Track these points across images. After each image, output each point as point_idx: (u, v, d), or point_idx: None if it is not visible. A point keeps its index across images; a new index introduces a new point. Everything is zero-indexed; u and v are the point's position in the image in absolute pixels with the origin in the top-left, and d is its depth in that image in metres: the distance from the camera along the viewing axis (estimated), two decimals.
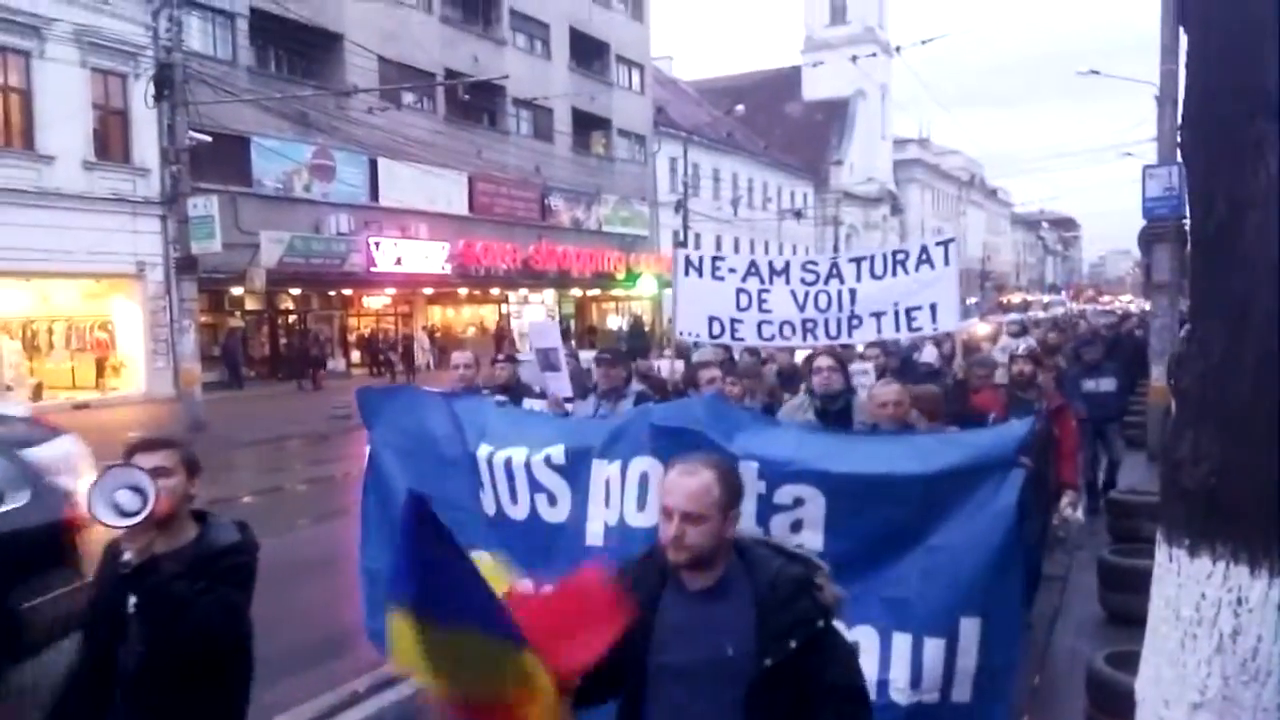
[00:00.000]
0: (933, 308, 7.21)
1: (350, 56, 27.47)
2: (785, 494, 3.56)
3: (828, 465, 3.60)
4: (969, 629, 3.39)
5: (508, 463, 4.22)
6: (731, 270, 7.73)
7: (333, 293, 30.24)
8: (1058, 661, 5.94)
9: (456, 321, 35.88)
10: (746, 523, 3.38)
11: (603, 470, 3.97)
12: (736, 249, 43.72)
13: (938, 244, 7.43)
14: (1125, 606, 6.08)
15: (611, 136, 41.30)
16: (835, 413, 5.38)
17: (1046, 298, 74.20)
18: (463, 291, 34.14)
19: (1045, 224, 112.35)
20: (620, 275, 39.91)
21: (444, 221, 31.14)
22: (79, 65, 20.99)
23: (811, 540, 3.46)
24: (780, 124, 61.17)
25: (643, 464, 3.82)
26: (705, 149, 48.26)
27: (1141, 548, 6.38)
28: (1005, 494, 3.43)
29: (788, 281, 7.56)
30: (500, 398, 6.32)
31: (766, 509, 3.56)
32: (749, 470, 3.48)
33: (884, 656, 3.45)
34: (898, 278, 7.32)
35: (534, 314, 37.04)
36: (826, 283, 7.45)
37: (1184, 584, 2.34)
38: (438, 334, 33.62)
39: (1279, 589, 2.23)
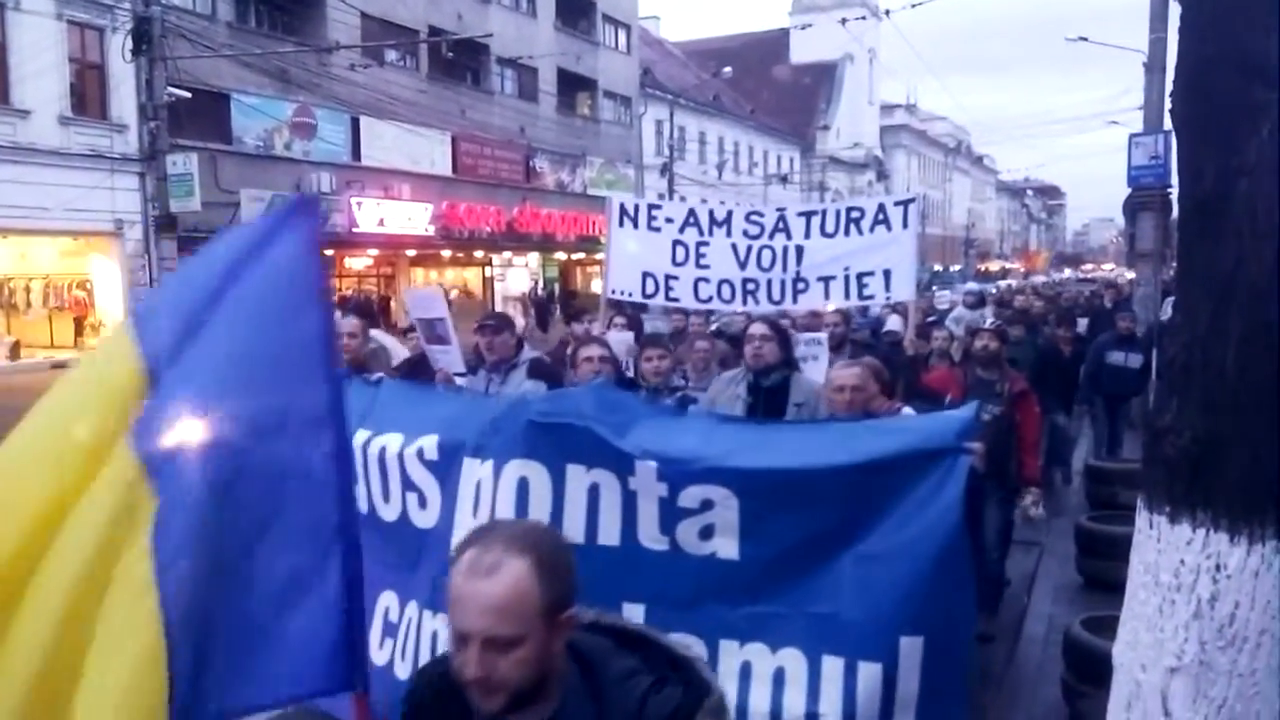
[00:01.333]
0: (886, 274, 6.52)
1: (332, 12, 27.04)
2: (692, 496, 3.08)
3: (740, 461, 3.11)
4: (910, 650, 2.91)
5: (382, 452, 3.60)
6: (669, 220, 7.00)
7: None
8: (1035, 626, 6.02)
9: (440, 284, 35.67)
10: (648, 529, 3.10)
11: (474, 470, 3.33)
12: None
13: (897, 204, 6.70)
14: (1103, 572, 6.17)
15: (597, 98, 40.92)
16: (769, 390, 4.74)
17: (1023, 266, 74.07)
18: (446, 254, 33.89)
19: (1030, 192, 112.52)
20: (605, 239, 39.67)
21: (427, 182, 30.86)
22: (54, 17, 20.57)
23: (725, 548, 3.09)
24: (767, 87, 60.76)
25: (520, 468, 3.23)
26: (692, 112, 47.94)
27: (1119, 514, 6.47)
28: (949, 489, 2.94)
29: (729, 234, 6.82)
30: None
31: (671, 514, 3.11)
32: (647, 471, 3.10)
33: (812, 685, 2.99)
34: (850, 238, 6.62)
35: (518, 277, 36.88)
36: (772, 237, 6.74)
37: (1163, 550, 2.37)
38: None
39: (1258, 556, 2.26)
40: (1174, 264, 18.97)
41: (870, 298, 6.79)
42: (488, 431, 3.39)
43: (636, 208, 7.16)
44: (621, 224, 7.09)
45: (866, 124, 67.22)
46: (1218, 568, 2.28)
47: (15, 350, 21.76)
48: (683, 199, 37.90)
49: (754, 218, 6.89)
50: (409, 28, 30.03)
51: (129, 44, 19.12)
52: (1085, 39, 28.74)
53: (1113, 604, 3.45)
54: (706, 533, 3.09)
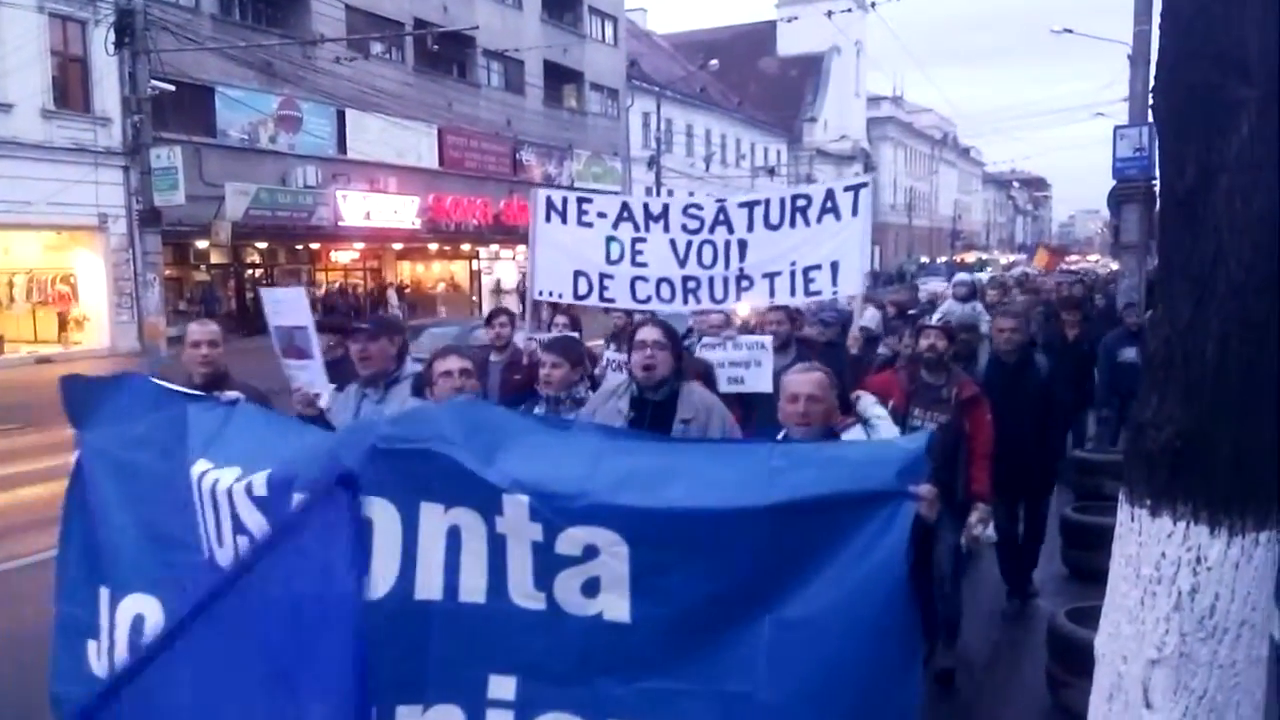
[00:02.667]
0: (833, 267, 6.00)
1: (317, 4, 26.90)
2: (572, 541, 2.56)
3: (632, 496, 2.57)
4: None
5: (214, 488, 3.03)
6: (601, 215, 6.43)
7: (300, 247, 29.84)
8: (1019, 617, 6.05)
9: (426, 277, 35.58)
10: (521, 583, 2.63)
11: None
12: None
13: (846, 189, 6.13)
14: (1086, 563, 6.20)
15: (584, 90, 40.83)
16: (656, 406, 4.06)
17: (1004, 258, 73.69)
18: (433, 247, 33.80)
19: (1016, 183, 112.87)
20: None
21: (413, 175, 30.75)
22: (36, 10, 20.39)
23: (614, 607, 2.56)
24: (754, 79, 60.74)
25: (362, 507, 2.73)
26: (678, 104, 47.88)
27: (1103, 505, 6.50)
28: (890, 541, 2.45)
29: (666, 229, 6.29)
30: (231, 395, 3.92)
31: (547, 564, 2.59)
32: (517, 508, 2.58)
33: None
34: (796, 229, 6.09)
35: (506, 270, 36.80)
36: (712, 231, 6.22)
37: (1145, 543, 2.39)
38: (407, 290, 33.35)
39: (1238, 548, 2.28)
40: (1158, 256, 19.09)
41: (817, 293, 6.22)
42: (324, 462, 2.82)
43: (565, 201, 6.60)
44: (549, 219, 6.54)
45: (853, 116, 67.29)
46: (1198, 560, 2.30)
47: None
48: (670, 192, 37.93)
49: (693, 210, 6.34)
50: (394, 20, 29.90)
51: (112, 37, 19.01)
52: (1071, 31, 28.84)
53: (1097, 595, 3.47)
54: (591, 588, 2.58)
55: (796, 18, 46.57)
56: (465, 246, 35.11)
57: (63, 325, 23.00)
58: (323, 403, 4.53)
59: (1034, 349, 6.58)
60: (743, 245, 6.14)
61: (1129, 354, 8.86)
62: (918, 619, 2.56)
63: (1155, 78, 2.43)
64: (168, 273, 22.78)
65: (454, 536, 2.67)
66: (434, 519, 2.69)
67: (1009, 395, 5.68)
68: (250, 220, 25.06)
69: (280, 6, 27.46)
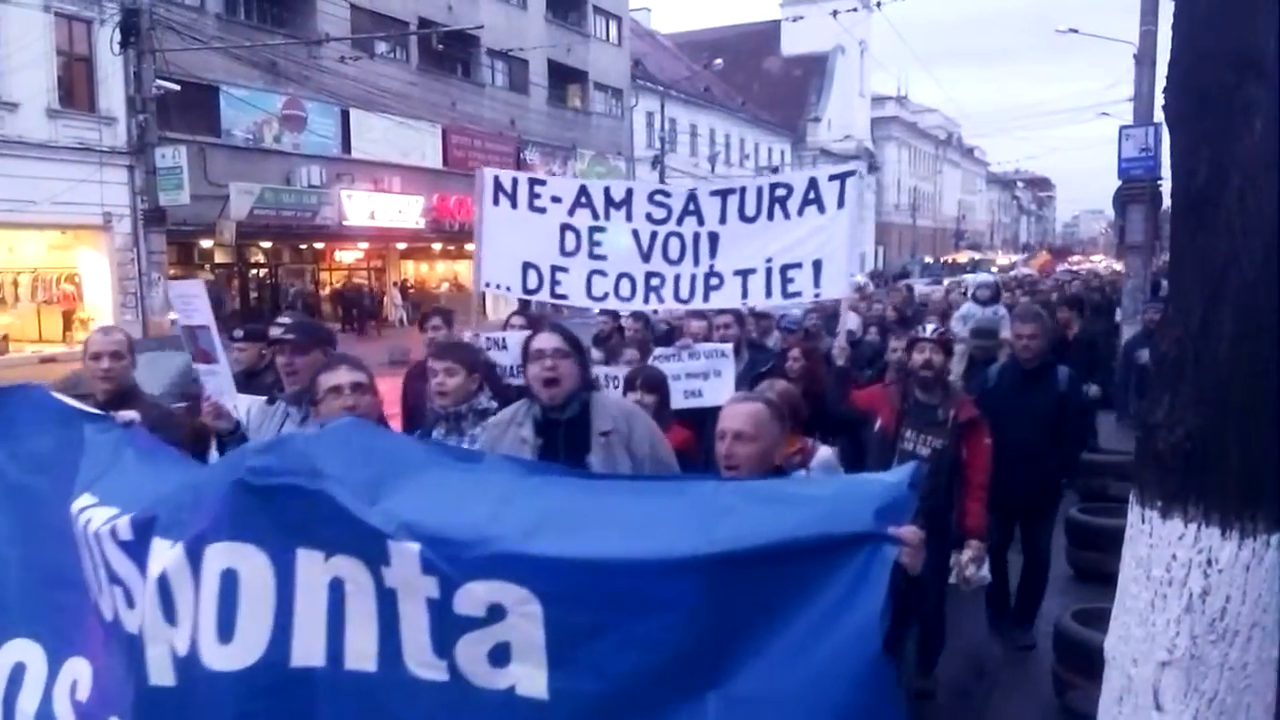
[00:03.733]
0: (816, 266, 5.33)
1: (321, 4, 26.91)
2: (473, 598, 2.12)
3: (545, 544, 2.12)
4: None
5: (86, 527, 2.66)
6: (555, 199, 5.74)
7: (304, 246, 29.88)
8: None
9: (430, 277, 35.59)
10: (417, 648, 2.19)
11: (162, 556, 2.40)
12: None
13: (832, 178, 5.41)
14: (1093, 564, 6.19)
15: (588, 90, 40.82)
16: (568, 425, 3.42)
17: (1005, 258, 72.96)
18: (436, 247, 33.82)
19: (1020, 184, 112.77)
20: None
21: (418, 175, 30.76)
22: (41, 9, 20.41)
23: (529, 680, 2.13)
24: (759, 79, 60.73)
25: (225, 554, 2.32)
26: (683, 104, 47.85)
27: (1109, 507, 6.48)
28: (864, 599, 1.99)
29: (629, 218, 5.62)
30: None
31: (446, 625, 2.16)
32: (406, 558, 2.16)
33: None
34: (774, 222, 5.43)
35: None
36: (680, 222, 5.56)
37: (1155, 545, 2.38)
38: (412, 289, 33.37)
39: (1249, 550, 2.27)
40: (1164, 256, 19.03)
41: (796, 295, 5.52)
42: (185, 499, 2.44)
43: (515, 182, 5.86)
44: (496, 202, 5.81)
45: (857, 116, 67.22)
46: (1209, 562, 2.29)
47: (3, 344, 21.64)
48: None
49: (659, 198, 5.66)
50: (399, 19, 29.92)
51: (117, 36, 19.04)
52: (1076, 30, 28.79)
53: (1103, 596, 3.47)
54: (500, 656, 2.14)
55: (801, 17, 46.47)
56: (469, 246, 35.01)
57: (67, 324, 23.03)
58: (240, 414, 4.01)
59: (1056, 357, 5.95)
60: (714, 239, 5.50)
61: (1145, 355, 8.25)
62: (897, 694, 2.11)
63: (1167, 77, 2.42)
64: (172, 272, 22.79)
65: (336, 591, 2.25)
66: (313, 569, 2.25)
67: (1022, 404, 5.25)
68: (255, 220, 25.08)
69: (285, 6, 27.47)
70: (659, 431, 3.64)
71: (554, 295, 5.83)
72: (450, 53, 31.73)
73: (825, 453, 3.97)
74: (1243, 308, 2.23)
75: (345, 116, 28.37)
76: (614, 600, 2.08)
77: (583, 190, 5.75)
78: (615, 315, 7.37)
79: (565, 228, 5.69)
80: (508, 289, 5.96)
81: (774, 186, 5.49)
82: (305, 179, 27.07)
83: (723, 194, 5.57)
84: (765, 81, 61.32)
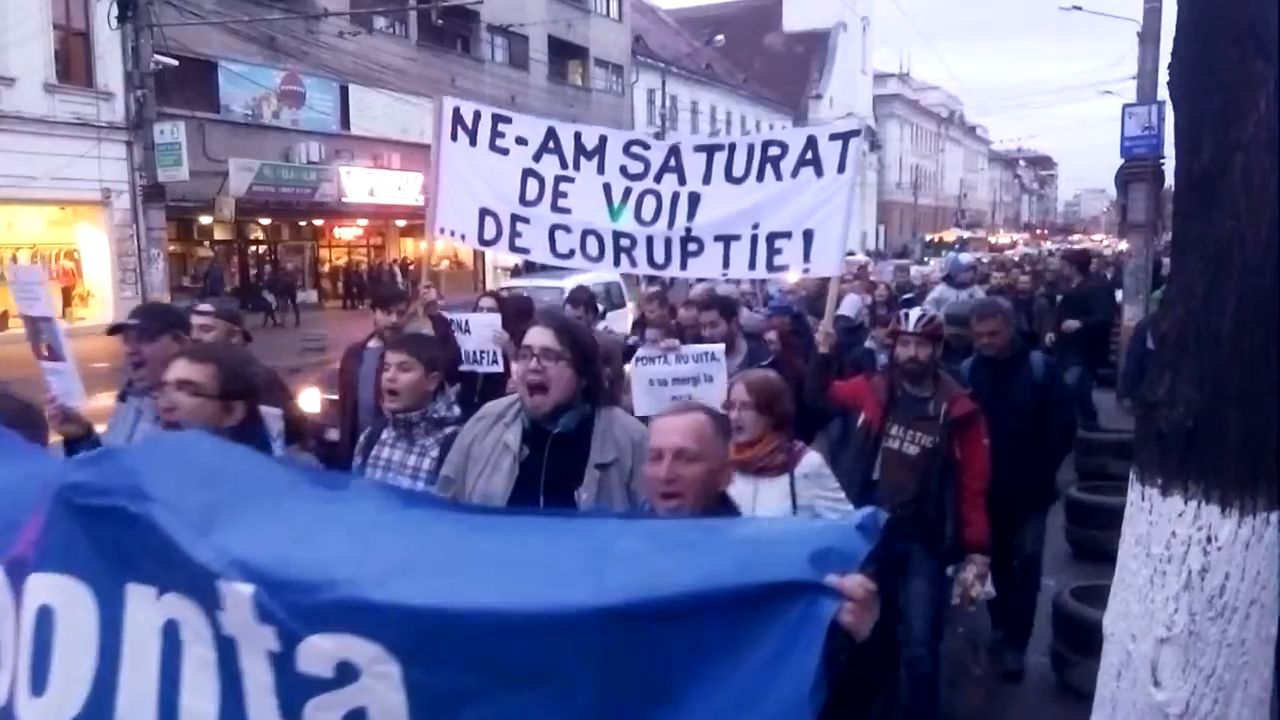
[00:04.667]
0: (806, 237, 4.72)
1: None
2: (319, 654, 1.73)
3: (405, 591, 1.72)
4: None
5: None
6: (520, 141, 5.13)
7: (303, 223, 29.80)
8: None
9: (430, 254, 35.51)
10: (264, 710, 1.77)
11: None
12: None
13: (833, 137, 4.78)
14: (1092, 542, 6.22)
15: (588, 66, 40.59)
16: (559, 441, 2.87)
17: (1004, 236, 72.15)
18: None
19: (1022, 162, 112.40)
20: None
21: (417, 151, 30.54)
22: None
23: None
24: (760, 56, 60.36)
25: (43, 585, 1.94)
26: (684, 81, 47.62)
27: (1108, 485, 6.51)
28: (794, 662, 1.59)
29: (600, 169, 5.03)
30: None
31: (291, 685, 1.75)
32: (239, 603, 1.76)
33: None
34: (764, 184, 4.81)
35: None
36: (659, 179, 4.95)
37: (1155, 522, 2.39)
38: (411, 266, 33.31)
39: (1249, 528, 2.28)
40: (1166, 236, 18.99)
41: (782, 268, 4.96)
42: (6, 508, 2.03)
43: (477, 116, 5.23)
44: (455, 136, 5.22)
45: (859, 93, 66.88)
46: (1209, 540, 2.30)
47: (3, 320, 21.62)
48: None
49: (636, 149, 5.04)
50: None
51: (114, 10, 18.86)
52: (1079, 8, 28.57)
53: (1102, 574, 3.49)
54: None
55: None
56: None
57: (67, 301, 22.99)
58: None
59: (1030, 345, 5.43)
60: (694, 200, 4.91)
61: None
62: None
63: (1172, 54, 2.42)
64: (171, 249, 22.76)
65: (172, 636, 1.84)
66: (145, 609, 1.86)
67: (997, 400, 4.59)
68: (254, 196, 25.01)
69: None
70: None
71: (513, 248, 5.27)
72: (450, 28, 31.52)
73: (813, 458, 3.45)
74: (1245, 286, 2.23)
75: (344, 92, 28.22)
76: (484, 663, 1.67)
77: (551, 133, 5.14)
78: (660, 284, 7.25)
79: (529, 174, 5.11)
80: (462, 237, 5.42)
81: (767, 145, 4.87)
82: (304, 155, 26.96)
83: (709, 149, 4.97)
84: (767, 58, 60.95)
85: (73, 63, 21.62)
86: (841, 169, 4.70)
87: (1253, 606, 2.29)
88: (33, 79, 20.49)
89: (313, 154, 27.16)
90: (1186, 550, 2.33)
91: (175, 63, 20.43)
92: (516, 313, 6.55)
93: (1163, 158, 12.59)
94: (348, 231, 31.88)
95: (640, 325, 6.67)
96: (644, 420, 4.93)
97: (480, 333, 5.50)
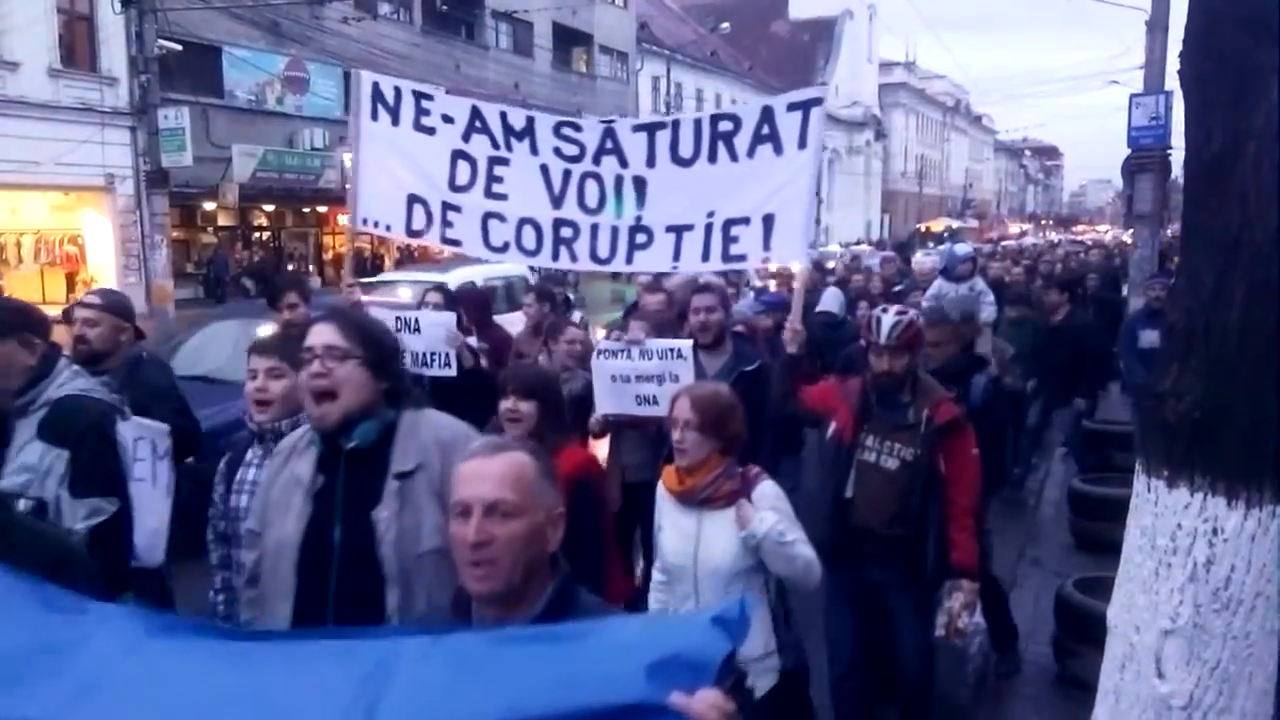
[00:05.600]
0: (766, 222, 4.23)
1: None
2: None
3: None
4: None
5: None
6: (447, 119, 4.66)
7: (307, 209, 29.77)
8: (1027, 586, 6.06)
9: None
10: None
11: None
12: None
13: (792, 107, 4.23)
14: (1095, 533, 6.22)
15: (593, 53, 40.44)
16: (354, 457, 2.39)
17: (1015, 227, 71.45)
18: None
19: (1028, 152, 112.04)
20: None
21: None
22: None
23: None
24: (766, 44, 60.15)
25: None
26: (689, 68, 47.45)
27: (1111, 476, 6.50)
28: None
29: (534, 150, 4.56)
30: None
31: None
32: None
33: None
34: (717, 165, 4.32)
35: None
36: (598, 160, 4.47)
37: (1161, 514, 2.38)
38: (416, 254, 33.28)
39: (1255, 520, 2.27)
40: (1172, 227, 18.91)
41: (739, 258, 4.42)
42: None
43: (398, 93, 4.76)
44: (375, 115, 4.74)
45: (865, 82, 66.63)
46: (1214, 531, 2.29)
47: None
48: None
49: (567, 130, 4.56)
50: None
51: None
52: None
53: (1105, 565, 3.48)
54: None
55: None
56: None
57: (70, 286, 23.00)
58: None
59: (976, 364, 5.00)
60: (640, 185, 4.44)
61: (1150, 336, 7.17)
62: None
63: (1182, 43, 2.39)
64: (175, 235, 22.76)
65: None
66: None
67: None
68: (257, 182, 24.99)
69: None
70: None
71: (444, 239, 4.75)
72: (454, 14, 31.44)
73: (768, 487, 3.09)
74: (1254, 276, 2.21)
75: (348, 78, 28.05)
76: None
77: (476, 113, 4.65)
78: (655, 277, 6.17)
79: (459, 155, 4.63)
80: (388, 228, 4.84)
81: (716, 120, 4.37)
82: (308, 141, 26.92)
83: (648, 128, 4.49)
84: (772, 46, 60.73)
85: (77, 47, 21.56)
86: (803, 144, 4.19)
87: (1258, 599, 2.28)
88: (37, 64, 20.44)
89: (316, 140, 27.11)
90: (1192, 542, 2.31)
91: (179, 48, 20.39)
92: (476, 307, 6.23)
93: (1170, 148, 12.54)
94: None
95: (627, 315, 5.92)
96: (615, 426, 4.68)
97: (431, 333, 5.01)
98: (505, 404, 3.31)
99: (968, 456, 3.71)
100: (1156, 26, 13.02)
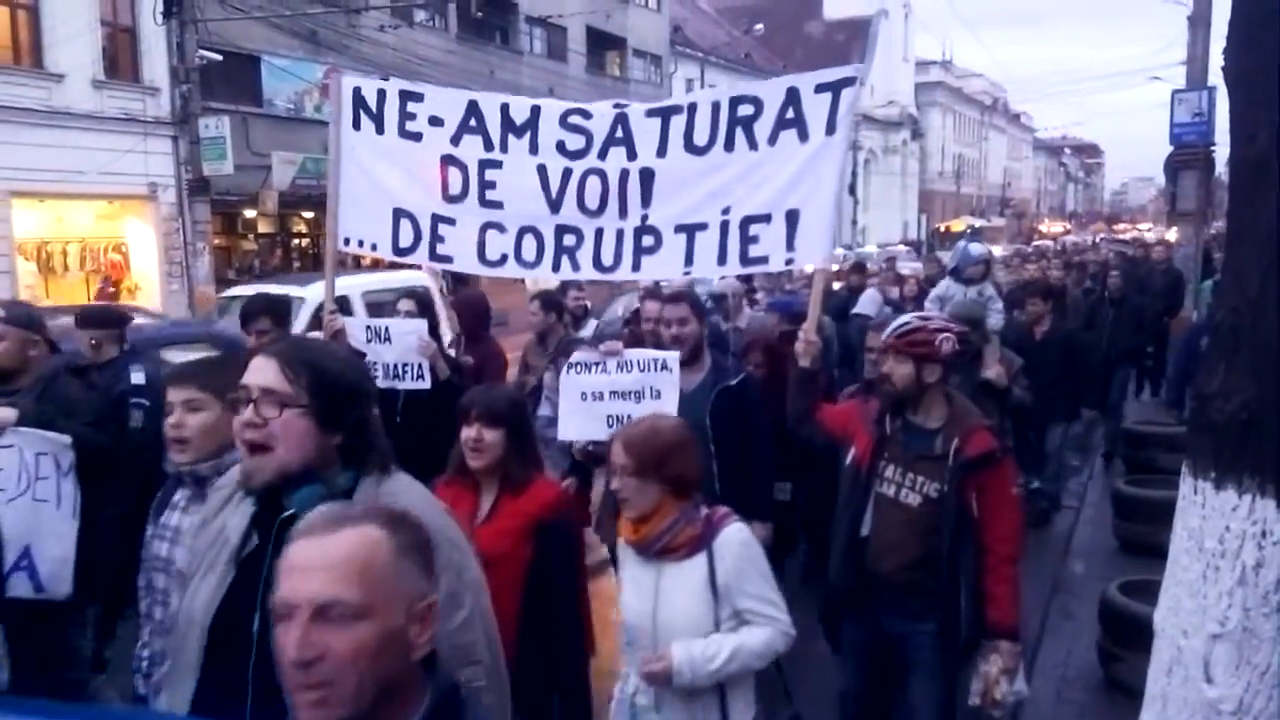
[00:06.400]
0: (790, 219, 3.75)
1: None
2: None
3: None
4: None
5: None
6: (435, 122, 4.21)
7: None
8: (1071, 590, 5.99)
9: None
10: None
11: None
12: None
13: (820, 89, 3.80)
14: (1140, 536, 6.14)
15: (626, 57, 40.56)
16: (289, 523, 1.80)
17: (1059, 225, 70.05)
18: None
19: (1068, 150, 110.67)
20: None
21: None
22: None
23: None
24: (800, 44, 59.93)
25: None
26: (723, 70, 47.39)
27: (1156, 478, 6.41)
28: None
29: (534, 148, 4.09)
30: None
31: None
32: None
33: None
34: (734, 154, 3.85)
35: None
36: (604, 154, 4.01)
37: (1208, 516, 2.34)
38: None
39: None
40: (1216, 224, 18.59)
41: (759, 261, 3.90)
42: None
43: (381, 97, 4.27)
44: (358, 124, 4.28)
45: (901, 81, 66.16)
46: (1263, 534, 2.25)
47: (53, 314, 22.07)
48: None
49: (575, 119, 4.06)
50: None
51: (160, 6, 19.17)
52: None
53: (1150, 568, 3.43)
54: None
55: None
56: None
57: (115, 294, 23.42)
58: None
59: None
60: (648, 179, 3.96)
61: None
62: None
63: (1227, 39, 2.35)
64: (217, 242, 23.12)
65: None
66: None
67: None
68: (297, 190, 25.30)
69: None
70: (449, 527, 2.03)
71: (434, 256, 4.31)
72: (489, 20, 31.66)
73: (735, 532, 2.66)
74: None
75: None
76: None
77: (473, 109, 4.19)
78: (649, 290, 5.68)
79: (449, 162, 4.20)
80: (373, 247, 4.41)
81: (736, 103, 3.87)
82: None
83: (663, 113, 3.99)
84: (807, 46, 60.50)
85: (120, 59, 21.96)
86: (831, 129, 3.74)
87: None
88: (81, 75, 20.85)
89: None
90: (1240, 545, 2.27)
91: (219, 57, 20.73)
92: (474, 314, 5.91)
93: (1213, 144, 12.35)
94: None
95: (629, 324, 5.60)
96: (583, 457, 4.44)
97: (402, 342, 4.68)
98: (468, 431, 2.92)
99: (1006, 496, 3.25)
100: (1199, 21, 12.85)
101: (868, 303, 8.31)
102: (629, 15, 40.08)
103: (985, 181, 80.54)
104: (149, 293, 23.18)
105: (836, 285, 10.64)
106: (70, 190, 20.77)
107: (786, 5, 60.74)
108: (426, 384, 4.64)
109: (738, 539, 2.66)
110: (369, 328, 4.61)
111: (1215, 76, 10.69)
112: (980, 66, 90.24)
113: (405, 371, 4.65)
